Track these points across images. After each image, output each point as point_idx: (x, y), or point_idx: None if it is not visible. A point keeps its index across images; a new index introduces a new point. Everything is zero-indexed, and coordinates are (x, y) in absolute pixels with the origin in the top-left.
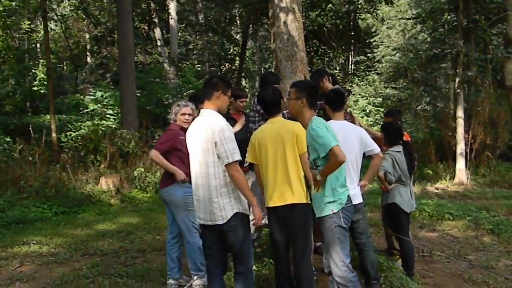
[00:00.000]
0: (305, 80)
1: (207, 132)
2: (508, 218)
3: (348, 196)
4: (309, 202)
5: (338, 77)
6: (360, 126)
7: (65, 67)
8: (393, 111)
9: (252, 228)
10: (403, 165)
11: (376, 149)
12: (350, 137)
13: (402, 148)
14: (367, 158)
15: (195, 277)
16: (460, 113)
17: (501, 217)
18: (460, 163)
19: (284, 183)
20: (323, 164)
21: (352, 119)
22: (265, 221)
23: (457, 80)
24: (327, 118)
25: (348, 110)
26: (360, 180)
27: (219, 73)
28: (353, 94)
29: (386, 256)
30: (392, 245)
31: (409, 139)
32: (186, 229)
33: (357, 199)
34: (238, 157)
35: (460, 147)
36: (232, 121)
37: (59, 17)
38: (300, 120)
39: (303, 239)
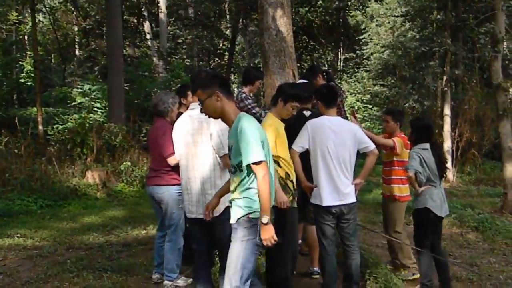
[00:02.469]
0: (199, 75)
1: (201, 125)
2: (492, 216)
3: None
4: (294, 205)
5: None
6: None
7: (53, 60)
8: (393, 110)
9: None
10: (432, 164)
11: (371, 145)
12: (343, 133)
13: (430, 147)
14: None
15: (166, 281)
16: (447, 111)
17: (485, 215)
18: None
19: None
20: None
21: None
22: None
23: (444, 78)
24: (319, 115)
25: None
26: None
27: (208, 68)
28: None
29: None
30: (396, 256)
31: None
32: (174, 228)
33: (351, 199)
34: None
35: (447, 145)
36: None
37: (47, 9)
38: (225, 119)
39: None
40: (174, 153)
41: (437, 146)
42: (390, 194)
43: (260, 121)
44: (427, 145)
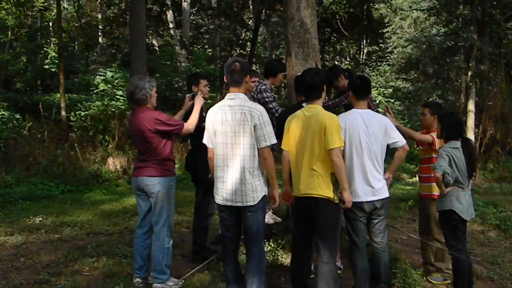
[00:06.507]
0: None
1: (245, 115)
2: None
3: None
4: (334, 198)
5: (350, 67)
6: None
7: (76, 47)
8: (432, 103)
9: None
10: (461, 164)
11: (402, 141)
12: (374, 126)
13: (461, 145)
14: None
15: (155, 284)
16: (471, 107)
17: (508, 213)
18: None
19: (308, 176)
20: None
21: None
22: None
23: (469, 74)
24: (350, 107)
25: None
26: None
27: (230, 58)
28: None
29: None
30: (428, 260)
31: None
32: (162, 224)
33: (383, 194)
34: (274, 140)
35: None
36: None
37: None
38: None
39: (327, 236)
40: (183, 124)
41: (468, 143)
42: (428, 194)
43: (275, 116)
44: (458, 144)
